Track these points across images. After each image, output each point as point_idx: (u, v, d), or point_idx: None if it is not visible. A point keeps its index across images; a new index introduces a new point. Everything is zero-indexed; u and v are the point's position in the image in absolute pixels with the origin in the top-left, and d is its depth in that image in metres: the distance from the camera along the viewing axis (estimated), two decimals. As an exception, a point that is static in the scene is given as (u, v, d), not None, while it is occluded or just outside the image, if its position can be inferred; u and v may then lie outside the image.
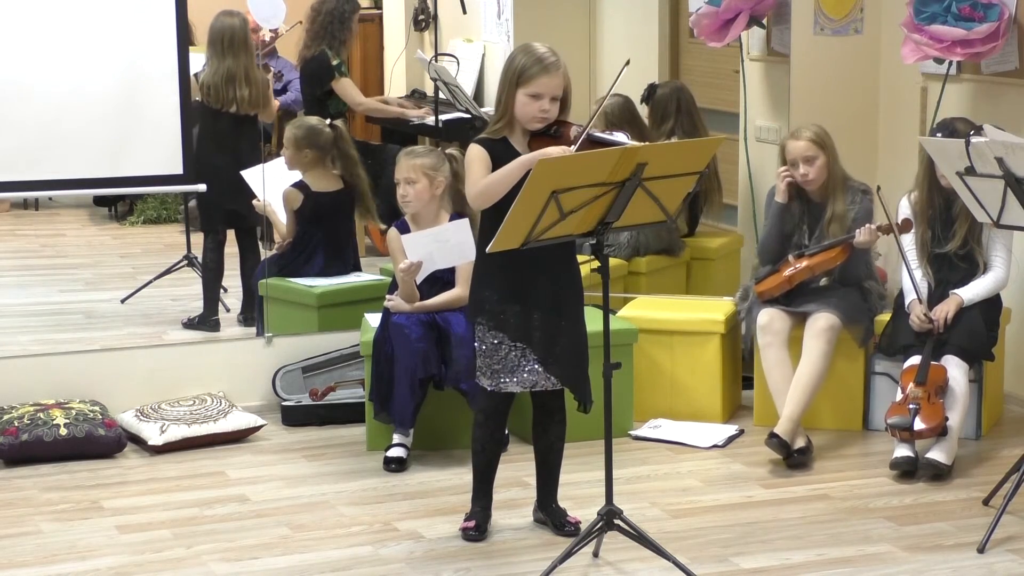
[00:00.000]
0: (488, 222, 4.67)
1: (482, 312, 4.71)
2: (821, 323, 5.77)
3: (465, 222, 5.49)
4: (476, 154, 4.66)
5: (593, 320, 5.09)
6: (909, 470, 5.46)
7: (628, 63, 4.59)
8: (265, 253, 6.67)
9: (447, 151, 5.74)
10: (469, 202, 4.74)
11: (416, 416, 5.56)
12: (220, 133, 6.68)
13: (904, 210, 5.85)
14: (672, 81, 7.41)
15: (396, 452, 5.57)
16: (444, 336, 5.56)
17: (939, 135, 5.63)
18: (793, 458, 5.57)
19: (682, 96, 7.19)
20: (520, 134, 4.68)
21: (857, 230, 5.77)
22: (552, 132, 4.64)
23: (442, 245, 5.51)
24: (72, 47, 6.03)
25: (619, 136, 4.62)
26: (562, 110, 4.67)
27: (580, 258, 6.05)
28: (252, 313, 6.91)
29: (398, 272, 5.60)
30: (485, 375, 4.75)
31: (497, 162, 4.62)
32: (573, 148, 4.45)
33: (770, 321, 5.84)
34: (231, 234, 7.01)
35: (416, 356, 5.50)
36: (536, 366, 4.69)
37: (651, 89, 7.30)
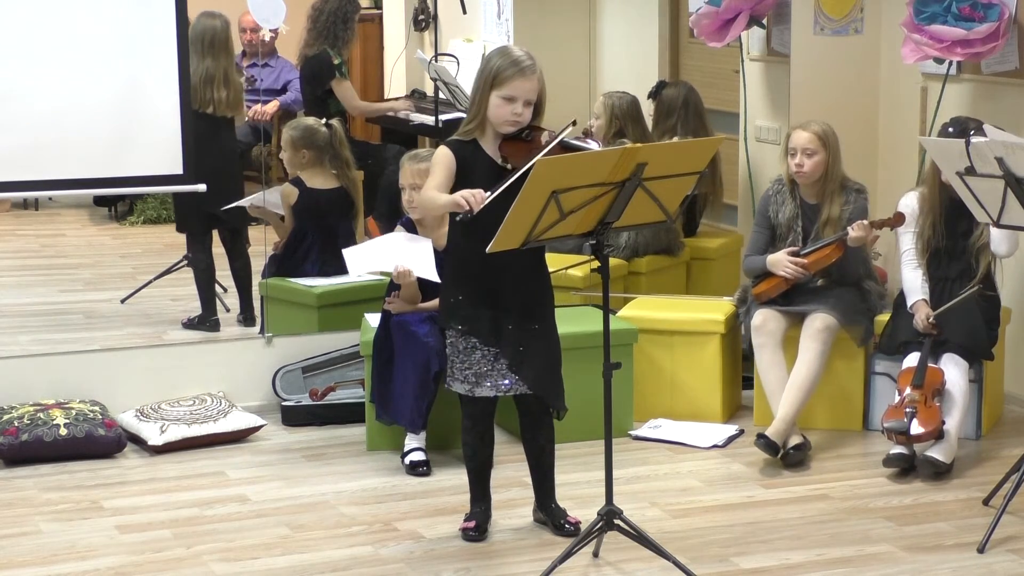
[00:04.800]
0: (455, 228, 4.69)
1: (455, 317, 4.72)
2: (818, 323, 5.77)
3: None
4: (441, 158, 4.66)
5: (593, 320, 5.10)
6: (905, 467, 5.46)
7: (574, 123, 4.60)
8: (266, 252, 6.66)
9: None
10: (417, 204, 4.76)
11: (428, 415, 5.54)
12: (197, 134, 6.65)
13: (905, 206, 5.84)
14: (683, 82, 7.41)
15: (418, 456, 5.54)
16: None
17: (951, 130, 5.63)
18: (788, 456, 5.57)
19: (690, 97, 7.19)
20: (491, 137, 4.67)
21: (850, 227, 5.76)
22: (524, 136, 4.64)
23: (394, 248, 5.56)
24: (72, 47, 6.03)
25: (591, 144, 4.61)
26: (536, 115, 4.66)
27: (580, 258, 6.07)
28: (250, 313, 6.92)
29: (394, 277, 5.60)
30: (458, 379, 4.76)
31: (465, 165, 4.63)
32: (541, 155, 4.42)
33: (764, 322, 5.84)
34: (218, 236, 7.03)
35: (428, 351, 5.49)
36: (508, 370, 4.69)
37: (660, 85, 7.30)
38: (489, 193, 4.42)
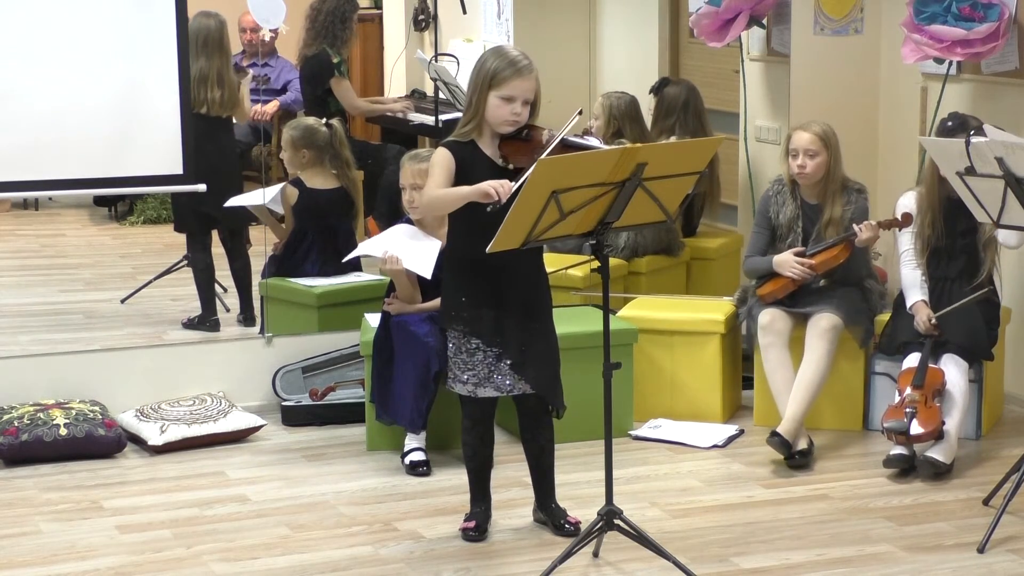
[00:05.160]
0: (454, 229, 4.68)
1: (457, 319, 4.72)
2: (824, 323, 5.77)
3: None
4: (440, 159, 4.66)
5: (593, 320, 5.10)
6: (905, 468, 5.47)
7: (580, 112, 4.61)
8: (266, 252, 6.66)
9: None
10: (419, 205, 4.74)
11: (428, 415, 5.54)
12: (193, 135, 6.65)
13: (904, 205, 5.84)
14: (685, 81, 7.40)
15: (418, 456, 5.54)
16: None
17: (950, 124, 5.64)
18: (795, 459, 5.57)
19: (692, 97, 7.18)
20: (489, 137, 4.67)
21: (857, 227, 5.75)
22: (523, 136, 4.64)
23: (401, 242, 5.55)
24: (73, 47, 6.03)
25: (592, 140, 4.61)
26: (531, 114, 4.67)
27: (580, 258, 6.07)
28: (250, 313, 6.91)
29: (380, 264, 5.60)
30: (460, 381, 4.76)
31: (464, 166, 4.63)
32: (544, 154, 4.42)
33: (772, 321, 5.84)
34: (218, 236, 7.02)
35: (428, 351, 5.48)
36: (511, 370, 4.70)
37: (663, 82, 7.29)
38: (515, 184, 4.42)
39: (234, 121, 6.99)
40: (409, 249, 5.57)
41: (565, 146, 4.51)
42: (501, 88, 4.59)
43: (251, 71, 7.26)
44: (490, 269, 4.58)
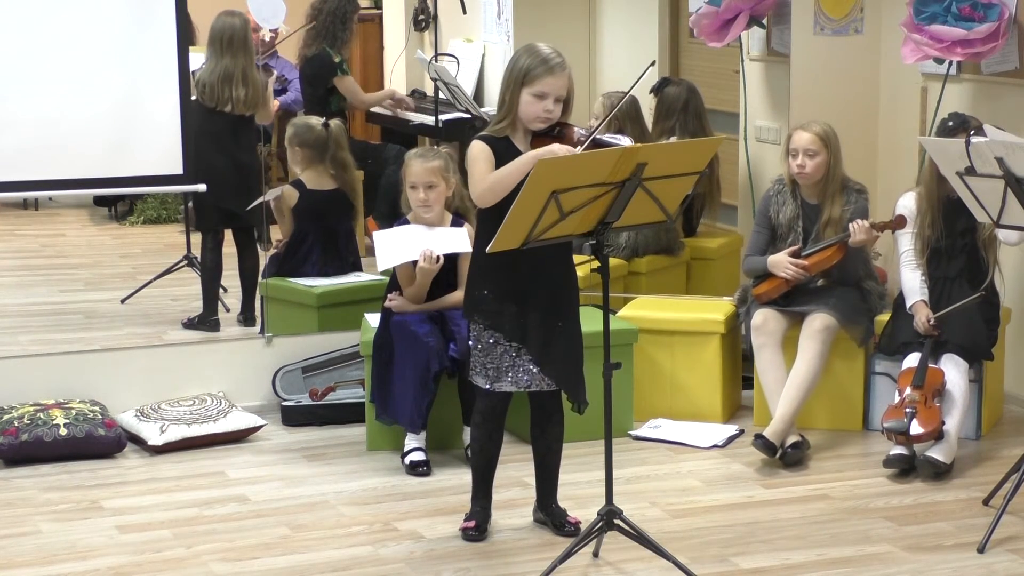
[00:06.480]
0: (486, 220, 4.68)
1: (479, 311, 4.72)
2: (817, 324, 5.77)
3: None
4: (479, 151, 4.66)
5: (593, 320, 5.10)
6: (905, 468, 5.47)
7: (654, 63, 4.60)
8: (265, 253, 6.66)
9: (444, 151, 5.76)
10: (474, 199, 4.72)
11: (428, 415, 5.54)
12: (215, 133, 6.66)
13: (904, 206, 5.84)
14: (685, 80, 7.39)
15: (418, 456, 5.54)
16: (446, 326, 5.55)
17: (951, 124, 5.64)
18: (787, 455, 5.57)
19: (692, 98, 7.17)
20: (522, 134, 4.68)
21: (851, 226, 5.75)
22: (555, 133, 4.66)
23: (428, 238, 5.54)
24: (73, 48, 6.03)
25: (624, 140, 4.62)
26: (564, 111, 4.68)
27: (580, 258, 6.07)
28: (251, 313, 6.91)
29: (420, 266, 5.55)
30: (481, 374, 4.76)
31: (500, 159, 4.62)
32: (579, 149, 4.45)
33: (764, 322, 5.84)
34: (229, 234, 7.00)
35: (428, 351, 5.48)
36: (532, 366, 4.70)
37: (663, 82, 7.29)
38: (579, 148, 4.43)
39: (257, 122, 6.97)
40: (438, 239, 5.56)
41: (596, 144, 4.52)
42: (533, 85, 4.60)
43: (274, 71, 7.25)
44: (518, 264, 4.57)
